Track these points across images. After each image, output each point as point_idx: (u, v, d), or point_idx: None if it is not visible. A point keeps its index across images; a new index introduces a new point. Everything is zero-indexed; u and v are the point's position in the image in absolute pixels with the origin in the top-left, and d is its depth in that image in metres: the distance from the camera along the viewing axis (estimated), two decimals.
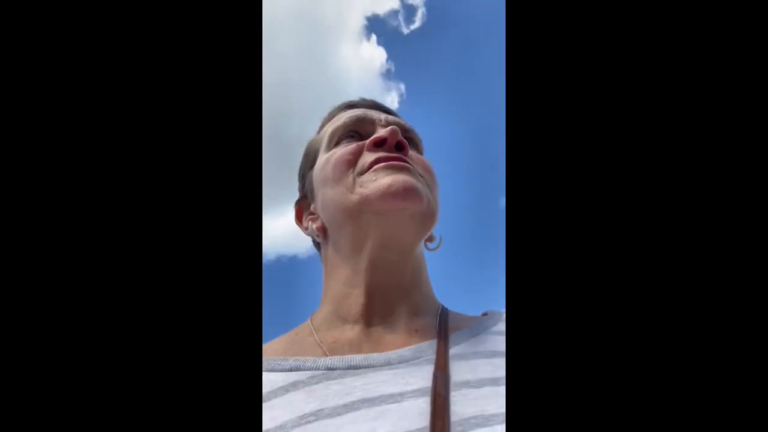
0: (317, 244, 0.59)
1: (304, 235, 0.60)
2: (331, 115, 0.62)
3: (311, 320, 0.53)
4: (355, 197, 0.49)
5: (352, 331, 0.49)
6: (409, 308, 0.50)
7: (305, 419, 0.37)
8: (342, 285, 0.52)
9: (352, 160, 0.52)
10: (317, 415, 0.37)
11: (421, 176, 0.52)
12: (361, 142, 0.54)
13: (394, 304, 0.50)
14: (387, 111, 0.61)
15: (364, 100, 0.62)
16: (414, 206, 0.48)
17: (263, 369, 0.44)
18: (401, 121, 0.59)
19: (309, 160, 0.60)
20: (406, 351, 0.44)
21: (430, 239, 0.55)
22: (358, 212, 0.49)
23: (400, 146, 0.53)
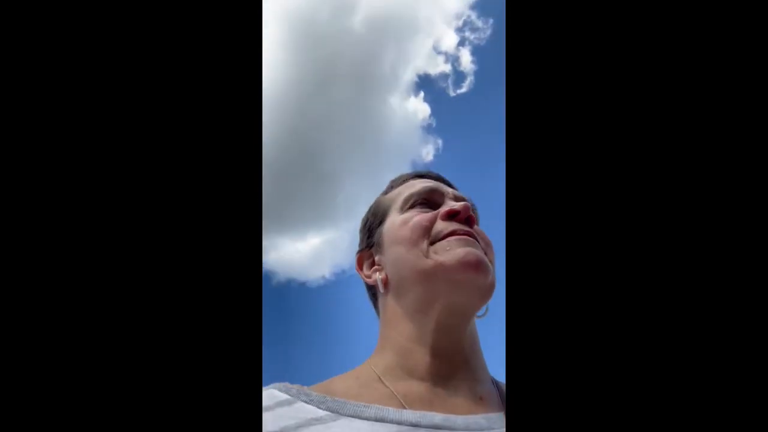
0: (372, 292, 0.64)
1: (363, 280, 0.64)
2: (402, 180, 0.68)
3: (372, 366, 0.55)
4: (430, 262, 0.54)
5: (419, 387, 0.51)
6: (469, 374, 0.54)
7: None
8: (406, 340, 0.55)
9: (428, 226, 0.57)
10: None
11: (485, 251, 0.56)
12: (435, 212, 0.59)
13: (456, 367, 0.53)
14: (449, 184, 0.68)
15: (430, 172, 0.69)
16: (483, 278, 0.53)
17: (345, 413, 0.46)
18: (467, 198, 0.65)
19: (378, 216, 0.65)
20: (480, 420, 0.48)
21: None
22: (432, 276, 0.53)
23: (468, 220, 0.58)
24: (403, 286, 0.57)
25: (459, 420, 0.47)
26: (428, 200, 0.62)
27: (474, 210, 0.63)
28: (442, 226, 0.57)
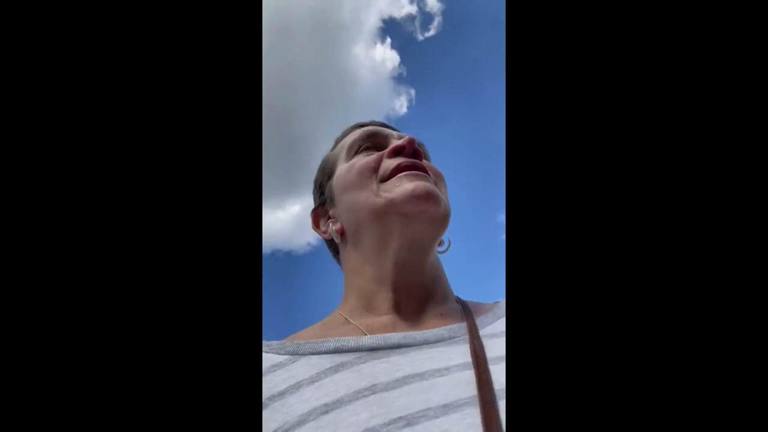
0: (333, 248, 0.65)
1: (321, 237, 0.65)
2: (345, 134, 0.68)
3: (338, 311, 0.57)
4: (381, 200, 0.54)
5: (382, 318, 0.53)
6: (433, 301, 0.55)
7: (361, 394, 0.40)
8: (368, 282, 0.56)
9: (375, 167, 0.58)
10: (372, 390, 0.40)
11: (435, 183, 0.57)
12: (380, 153, 0.59)
13: (420, 300, 0.55)
14: (393, 129, 0.67)
15: (373, 121, 0.69)
16: (434, 208, 0.54)
17: (304, 352, 0.47)
18: (412, 137, 0.65)
19: (326, 171, 0.66)
20: (441, 330, 0.49)
21: (440, 243, 0.60)
22: (384, 213, 0.54)
23: (415, 154, 0.59)
24: (359, 230, 0.57)
25: (417, 335, 0.48)
26: (372, 144, 0.63)
27: (421, 145, 0.64)
28: (388, 163, 0.57)
